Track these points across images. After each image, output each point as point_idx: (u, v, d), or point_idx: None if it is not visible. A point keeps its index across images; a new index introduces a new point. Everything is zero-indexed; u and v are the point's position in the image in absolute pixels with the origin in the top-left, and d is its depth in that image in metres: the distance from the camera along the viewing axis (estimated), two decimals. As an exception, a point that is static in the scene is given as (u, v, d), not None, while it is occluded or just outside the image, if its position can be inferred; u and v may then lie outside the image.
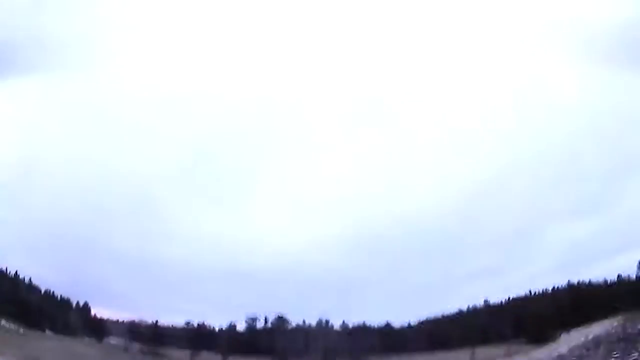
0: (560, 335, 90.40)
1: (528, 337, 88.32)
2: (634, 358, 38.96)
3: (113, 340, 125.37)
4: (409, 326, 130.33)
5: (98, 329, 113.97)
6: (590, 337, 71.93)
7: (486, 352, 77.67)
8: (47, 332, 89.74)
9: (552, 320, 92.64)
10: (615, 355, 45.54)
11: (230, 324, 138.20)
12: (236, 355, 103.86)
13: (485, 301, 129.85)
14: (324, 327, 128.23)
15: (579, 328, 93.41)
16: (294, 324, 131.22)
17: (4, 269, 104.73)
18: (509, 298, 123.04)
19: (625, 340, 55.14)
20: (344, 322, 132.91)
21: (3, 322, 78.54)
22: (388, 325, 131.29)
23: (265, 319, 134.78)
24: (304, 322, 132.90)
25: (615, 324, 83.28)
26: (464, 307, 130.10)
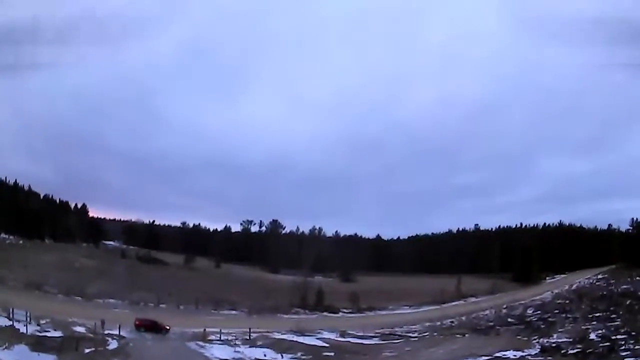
0: (545, 278, 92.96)
1: (514, 274, 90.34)
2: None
3: (110, 243, 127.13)
4: (399, 240, 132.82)
5: (95, 232, 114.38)
6: (574, 287, 74.49)
7: (472, 282, 78.60)
8: (47, 240, 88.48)
9: (539, 261, 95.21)
10: (598, 315, 42.56)
11: (226, 227, 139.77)
12: (229, 261, 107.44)
13: (476, 225, 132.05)
14: (316, 235, 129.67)
15: (564, 275, 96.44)
16: (287, 230, 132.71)
17: (3, 178, 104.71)
18: (499, 227, 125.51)
19: (608, 299, 53.35)
20: (336, 231, 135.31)
21: (2, 235, 76.30)
22: (379, 238, 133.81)
23: (261, 222, 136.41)
24: (297, 228, 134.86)
25: (600, 276, 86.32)
26: (454, 229, 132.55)
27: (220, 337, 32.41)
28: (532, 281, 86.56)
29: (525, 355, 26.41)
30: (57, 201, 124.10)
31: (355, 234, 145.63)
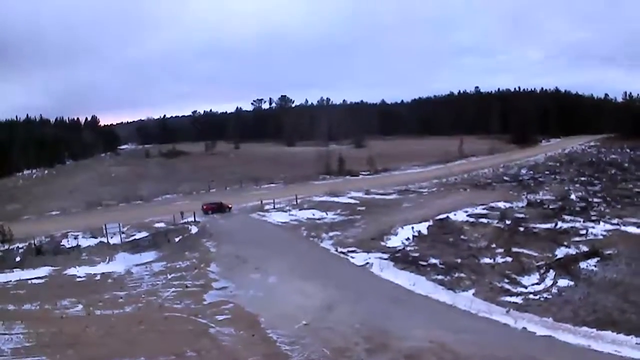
0: (540, 141, 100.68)
1: (512, 136, 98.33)
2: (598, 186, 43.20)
3: (126, 147, 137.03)
4: (403, 104, 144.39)
5: (111, 140, 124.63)
6: (566, 151, 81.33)
7: (473, 142, 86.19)
8: (67, 162, 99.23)
9: (536, 124, 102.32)
10: (583, 180, 47.51)
11: (237, 109, 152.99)
12: (246, 141, 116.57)
13: (476, 88, 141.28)
14: (325, 105, 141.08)
15: (559, 139, 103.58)
16: (297, 103, 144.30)
17: (14, 118, 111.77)
18: (498, 89, 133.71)
19: (595, 165, 59.57)
20: (343, 100, 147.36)
21: (25, 171, 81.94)
22: (383, 103, 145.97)
23: (270, 100, 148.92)
24: (306, 101, 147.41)
25: (592, 143, 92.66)
26: (455, 91, 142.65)
27: (274, 206, 37.56)
28: (528, 143, 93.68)
29: (513, 206, 34.12)
30: (67, 121, 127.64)
31: (362, 101, 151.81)
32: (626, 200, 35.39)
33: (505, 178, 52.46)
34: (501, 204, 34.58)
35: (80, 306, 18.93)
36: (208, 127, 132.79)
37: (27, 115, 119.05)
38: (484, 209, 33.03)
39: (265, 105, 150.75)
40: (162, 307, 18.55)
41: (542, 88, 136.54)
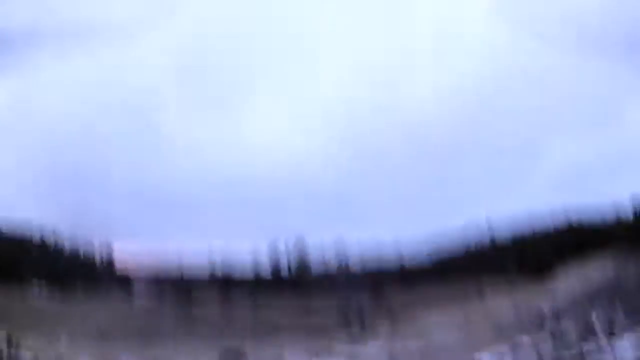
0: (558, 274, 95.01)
1: (528, 273, 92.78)
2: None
3: (141, 299, 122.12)
4: (419, 256, 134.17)
5: (124, 285, 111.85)
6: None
7: (491, 288, 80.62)
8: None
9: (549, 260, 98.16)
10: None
11: (254, 260, 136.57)
12: (264, 302, 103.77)
13: (491, 234, 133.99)
14: (342, 261, 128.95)
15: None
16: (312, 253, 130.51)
17: (28, 234, 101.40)
18: (512, 233, 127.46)
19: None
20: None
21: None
22: (400, 256, 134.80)
23: (286, 244, 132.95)
24: (321, 247, 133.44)
25: (609, 267, 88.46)
26: (471, 243, 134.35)
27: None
28: (544, 279, 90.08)
29: None
30: (82, 255, 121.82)
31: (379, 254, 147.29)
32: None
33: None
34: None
35: None
36: (227, 286, 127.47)
37: (42, 234, 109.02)
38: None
39: (282, 249, 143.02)
40: None
41: (555, 226, 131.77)
